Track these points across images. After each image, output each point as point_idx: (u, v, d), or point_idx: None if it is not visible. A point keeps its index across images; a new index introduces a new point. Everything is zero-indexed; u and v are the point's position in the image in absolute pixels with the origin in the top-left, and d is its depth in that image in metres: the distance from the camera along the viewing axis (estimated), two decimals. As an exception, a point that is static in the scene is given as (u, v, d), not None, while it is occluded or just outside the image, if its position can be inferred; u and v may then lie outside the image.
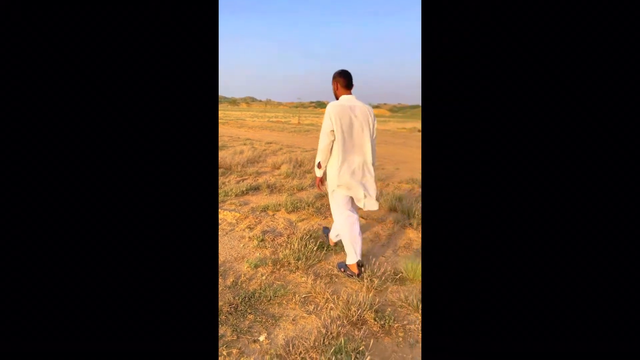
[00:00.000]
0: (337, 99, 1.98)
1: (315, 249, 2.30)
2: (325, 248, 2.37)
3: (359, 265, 1.97)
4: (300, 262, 2.12)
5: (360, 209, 2.08)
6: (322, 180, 2.08)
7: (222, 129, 13.95)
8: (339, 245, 2.40)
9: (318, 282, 1.90)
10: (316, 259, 2.20)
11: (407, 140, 11.90)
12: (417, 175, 5.11)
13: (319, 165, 1.95)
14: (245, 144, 8.36)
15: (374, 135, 1.97)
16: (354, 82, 1.97)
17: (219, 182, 4.26)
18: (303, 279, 1.96)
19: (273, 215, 3.12)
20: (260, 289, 1.84)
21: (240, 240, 2.53)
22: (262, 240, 2.51)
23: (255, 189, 4.01)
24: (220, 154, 6.42)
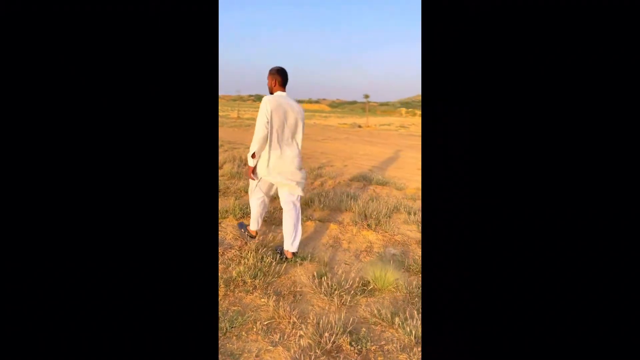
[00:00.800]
0: (271, 93, 2.08)
1: (273, 262, 2.06)
2: (283, 260, 2.14)
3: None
4: (257, 279, 1.87)
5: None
6: (254, 169, 2.14)
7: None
8: (296, 255, 2.19)
9: (281, 303, 1.67)
10: (275, 275, 1.96)
11: (350, 136, 12.10)
12: (366, 171, 5.13)
13: (253, 155, 2.05)
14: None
15: (303, 130, 2.17)
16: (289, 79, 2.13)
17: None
18: (263, 300, 1.71)
19: (220, 223, 2.77)
20: (213, 319, 1.54)
21: (182, 258, 2.16)
22: (210, 255, 2.17)
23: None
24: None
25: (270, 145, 2.02)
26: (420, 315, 1.57)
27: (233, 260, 2.12)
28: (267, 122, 1.96)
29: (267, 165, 2.05)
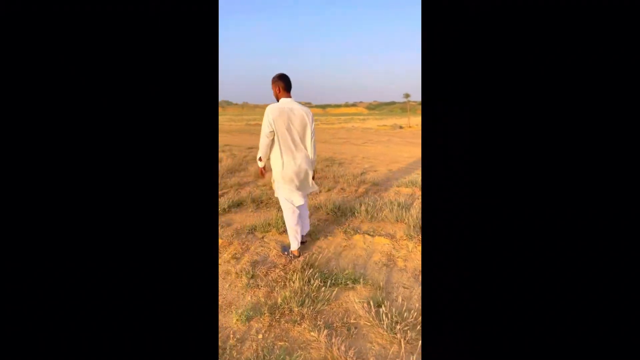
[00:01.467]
0: (277, 100, 2.12)
1: (322, 286, 1.83)
2: (331, 281, 1.90)
3: (302, 242, 2.42)
4: (305, 307, 1.65)
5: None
6: (263, 170, 2.29)
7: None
8: (344, 277, 1.95)
9: (334, 339, 1.43)
10: (325, 301, 1.73)
11: (392, 138, 11.62)
12: (415, 176, 4.74)
13: (260, 159, 2.16)
14: (223, 151, 7.75)
15: (313, 134, 2.16)
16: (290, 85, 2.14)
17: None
18: (313, 334, 1.49)
19: (262, 238, 2.62)
20: (257, 358, 1.35)
21: (225, 278, 2.02)
22: (253, 276, 2.01)
23: (238, 204, 3.49)
24: (196, 163, 5.82)
25: (280, 151, 2.08)
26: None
27: (277, 283, 1.93)
28: (270, 132, 2.03)
29: (280, 170, 2.11)
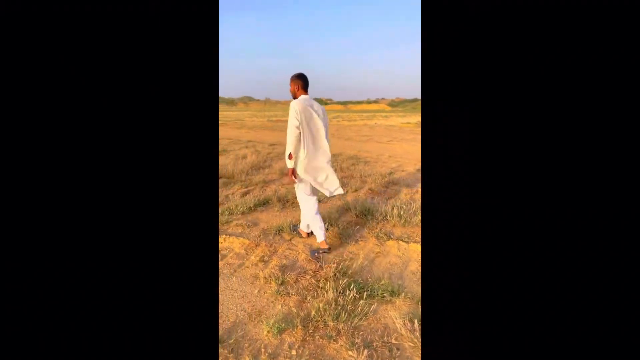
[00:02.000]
0: (294, 98, 2.25)
1: (356, 296, 1.70)
2: (367, 293, 1.76)
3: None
4: (340, 321, 1.52)
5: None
6: (294, 171, 2.24)
7: (221, 131, 13.32)
8: (380, 288, 1.80)
9: (375, 358, 1.29)
10: (362, 314, 1.60)
11: (417, 136, 11.26)
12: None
13: (290, 156, 2.17)
14: (247, 147, 7.74)
15: (327, 130, 2.28)
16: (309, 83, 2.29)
17: (221, 195, 3.66)
18: (351, 354, 1.36)
19: (290, 240, 2.52)
20: (292, 379, 1.23)
21: (253, 284, 1.93)
22: (283, 283, 1.90)
23: (264, 203, 3.41)
24: (221, 160, 5.82)
25: (303, 144, 2.17)
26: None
27: (309, 291, 1.81)
28: (298, 125, 2.11)
29: (302, 164, 2.20)
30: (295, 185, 2.34)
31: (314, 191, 2.36)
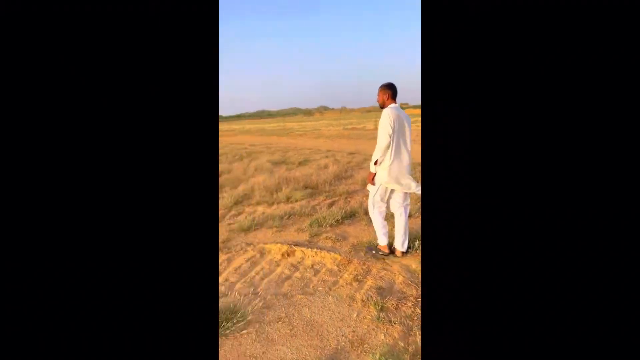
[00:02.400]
0: (382, 107, 2.30)
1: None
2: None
3: (389, 245, 2.43)
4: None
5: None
6: (374, 176, 2.32)
7: (300, 141, 13.90)
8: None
9: None
10: None
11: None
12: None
13: (376, 163, 2.27)
14: (327, 157, 7.85)
15: (410, 137, 2.30)
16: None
17: (308, 206, 3.70)
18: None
19: (384, 259, 2.36)
20: None
21: (351, 305, 1.83)
22: (382, 309, 1.76)
23: (351, 215, 3.32)
24: (304, 170, 5.98)
25: (391, 153, 2.21)
26: None
27: (413, 321, 1.63)
28: (391, 133, 2.17)
29: (387, 172, 2.24)
30: (371, 191, 2.39)
31: (384, 198, 2.40)
